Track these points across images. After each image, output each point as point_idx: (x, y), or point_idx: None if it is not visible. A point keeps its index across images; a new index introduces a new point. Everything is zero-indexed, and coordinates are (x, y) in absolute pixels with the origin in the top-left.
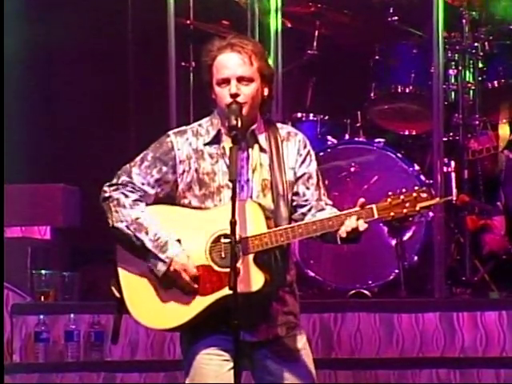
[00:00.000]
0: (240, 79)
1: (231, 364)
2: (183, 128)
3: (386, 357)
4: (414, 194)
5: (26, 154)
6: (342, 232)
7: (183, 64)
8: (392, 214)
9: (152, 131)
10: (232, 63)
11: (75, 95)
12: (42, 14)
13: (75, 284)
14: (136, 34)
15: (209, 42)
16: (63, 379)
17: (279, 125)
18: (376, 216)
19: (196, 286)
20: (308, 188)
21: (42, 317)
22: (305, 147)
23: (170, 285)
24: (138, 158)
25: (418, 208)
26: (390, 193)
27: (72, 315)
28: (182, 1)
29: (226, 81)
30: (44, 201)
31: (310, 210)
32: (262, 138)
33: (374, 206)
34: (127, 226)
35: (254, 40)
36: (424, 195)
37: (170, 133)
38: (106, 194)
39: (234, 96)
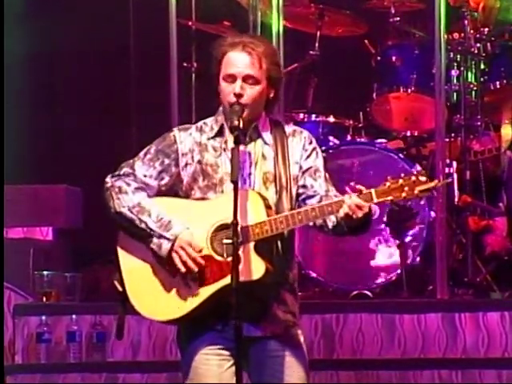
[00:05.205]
0: (246, 79)
1: (229, 363)
2: (188, 125)
3: (388, 357)
4: (413, 178)
5: (27, 154)
6: (343, 212)
7: (185, 65)
8: (391, 197)
9: (154, 132)
10: (241, 62)
11: (77, 95)
12: (43, 14)
13: (77, 285)
14: (138, 35)
15: (221, 38)
16: (65, 380)
17: (285, 124)
18: (375, 200)
19: (203, 261)
20: (315, 180)
21: (43, 317)
22: (310, 143)
23: (176, 267)
24: (141, 152)
25: (416, 191)
26: (388, 177)
27: (74, 316)
28: (183, 2)
29: (232, 78)
30: (46, 202)
31: (319, 202)
32: (265, 133)
33: (372, 190)
34: (130, 210)
35: (267, 41)
36: (422, 179)
37: (174, 128)
38: (108, 184)
39: (238, 96)
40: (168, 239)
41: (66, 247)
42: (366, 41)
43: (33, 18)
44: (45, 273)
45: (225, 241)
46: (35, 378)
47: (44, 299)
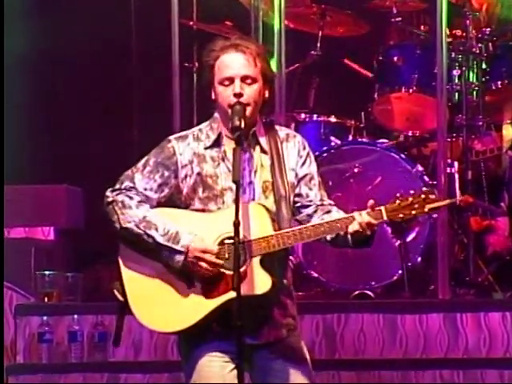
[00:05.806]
0: (244, 79)
1: (232, 365)
2: (184, 133)
3: (390, 358)
4: (423, 196)
5: (29, 154)
6: (353, 229)
7: (186, 65)
8: (401, 215)
9: (155, 132)
10: (236, 63)
11: (78, 95)
12: (44, 14)
13: (78, 285)
14: (139, 35)
15: (211, 42)
16: (67, 380)
17: (277, 127)
18: (385, 217)
19: (222, 262)
20: (311, 189)
21: (45, 318)
22: (304, 148)
23: (191, 276)
24: (140, 164)
25: (426, 209)
26: (398, 194)
27: (75, 316)
28: (185, 2)
29: (230, 80)
30: (47, 202)
31: (315, 211)
32: (263, 139)
33: (382, 207)
34: (137, 225)
35: (256, 41)
36: (432, 196)
37: (172, 138)
38: (110, 199)
39: (239, 96)
40: (179, 252)
41: (68, 247)
42: (346, 60)
43: (33, 18)
44: (46, 273)
45: (227, 241)
46: (37, 378)
47: (45, 299)
